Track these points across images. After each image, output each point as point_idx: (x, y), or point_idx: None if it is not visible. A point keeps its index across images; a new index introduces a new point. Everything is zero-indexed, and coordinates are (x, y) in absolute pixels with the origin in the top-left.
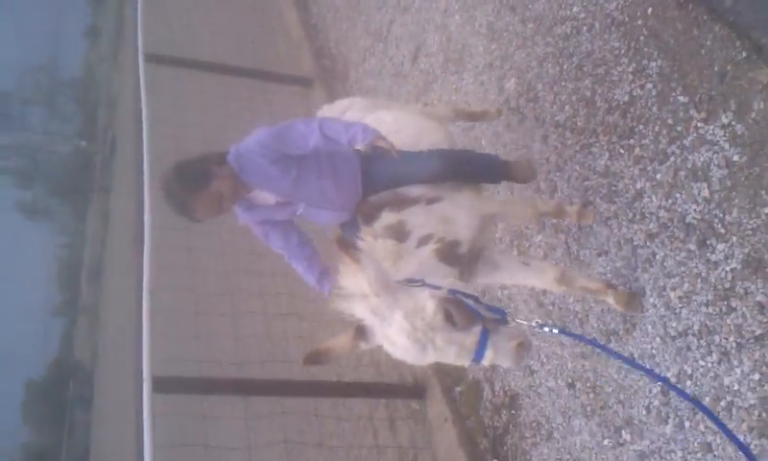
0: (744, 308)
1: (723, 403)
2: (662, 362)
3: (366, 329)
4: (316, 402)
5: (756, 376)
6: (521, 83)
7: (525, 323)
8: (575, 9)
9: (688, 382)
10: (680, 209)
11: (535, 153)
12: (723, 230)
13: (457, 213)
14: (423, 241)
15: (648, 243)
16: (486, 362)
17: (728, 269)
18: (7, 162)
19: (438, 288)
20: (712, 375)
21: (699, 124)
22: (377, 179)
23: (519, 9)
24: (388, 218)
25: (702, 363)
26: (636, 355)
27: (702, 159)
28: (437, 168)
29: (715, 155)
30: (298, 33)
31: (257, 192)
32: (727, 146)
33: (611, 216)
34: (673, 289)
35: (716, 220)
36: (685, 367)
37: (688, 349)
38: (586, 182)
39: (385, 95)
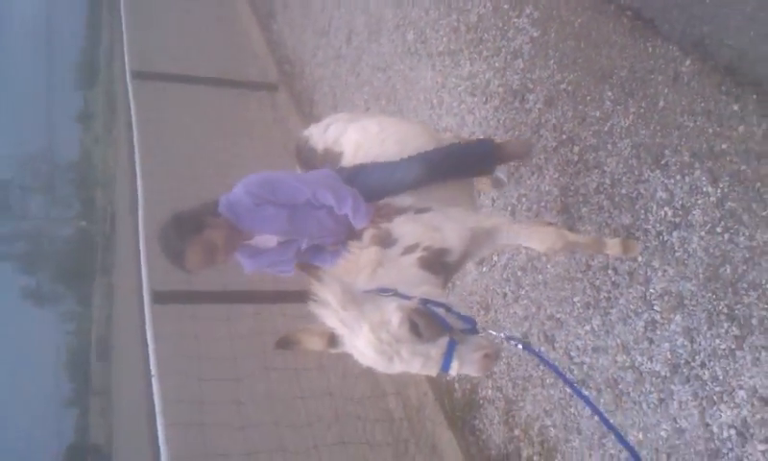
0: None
1: None
2: None
3: (336, 338)
4: None
5: None
6: (417, 32)
7: (494, 333)
8: None
9: None
10: (509, 80)
11: None
12: (532, 86)
13: (447, 223)
14: (409, 250)
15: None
16: (453, 372)
17: (536, 109)
18: (10, 249)
19: (408, 298)
20: None
21: (515, 19)
22: (363, 193)
23: None
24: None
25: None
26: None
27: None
28: (420, 172)
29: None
30: (262, 48)
31: (258, 238)
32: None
33: None
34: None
35: (529, 82)
36: None
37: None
38: None
39: (330, 78)
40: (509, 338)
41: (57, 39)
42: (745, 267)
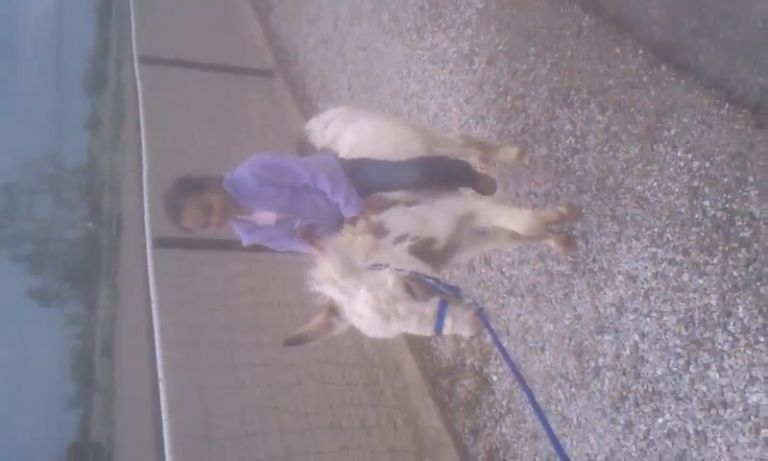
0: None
1: None
2: None
3: (336, 308)
4: None
5: None
6: (390, 13)
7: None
8: None
9: None
10: (461, 47)
11: None
12: (477, 50)
13: (434, 214)
14: (400, 240)
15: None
16: (446, 331)
17: (480, 69)
18: (17, 250)
19: (401, 271)
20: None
21: None
22: (361, 186)
23: None
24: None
25: None
26: None
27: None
28: (415, 176)
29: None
30: (260, 38)
31: (258, 214)
32: None
33: None
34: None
35: (475, 47)
36: None
37: None
38: None
39: (319, 61)
40: (473, 303)
41: (66, 47)
42: (623, 176)
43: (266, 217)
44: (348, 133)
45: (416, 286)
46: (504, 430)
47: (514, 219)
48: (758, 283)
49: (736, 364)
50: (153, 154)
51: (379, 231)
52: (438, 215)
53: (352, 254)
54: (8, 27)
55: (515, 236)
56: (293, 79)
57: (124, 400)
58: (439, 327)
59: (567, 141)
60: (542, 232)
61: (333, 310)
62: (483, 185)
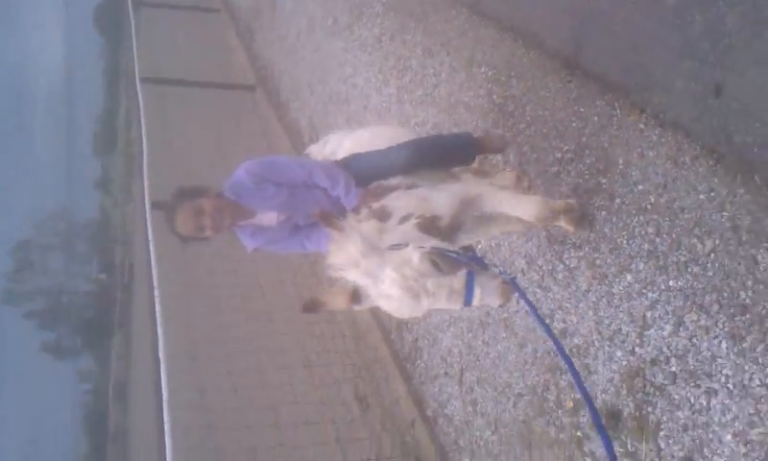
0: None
1: None
2: None
3: (360, 293)
4: None
5: None
6: (333, 18)
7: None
8: None
9: None
10: (373, 32)
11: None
12: (383, 31)
13: (435, 194)
14: (404, 219)
15: None
16: (476, 302)
17: (386, 45)
18: (31, 306)
19: (422, 248)
20: None
21: None
22: (357, 177)
23: None
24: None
25: None
26: None
27: None
28: (409, 157)
29: None
30: (243, 58)
31: (260, 215)
32: None
33: None
34: None
35: (382, 29)
36: None
37: None
38: None
39: (290, 70)
40: (513, 278)
41: (76, 109)
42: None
43: (268, 218)
44: (347, 142)
45: (440, 261)
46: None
47: (520, 205)
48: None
49: None
50: (153, 165)
51: (383, 216)
52: (439, 195)
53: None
54: (20, 90)
55: (521, 220)
56: (270, 90)
57: (136, 448)
58: (469, 298)
59: (431, 81)
60: (550, 220)
61: (356, 295)
62: (490, 145)
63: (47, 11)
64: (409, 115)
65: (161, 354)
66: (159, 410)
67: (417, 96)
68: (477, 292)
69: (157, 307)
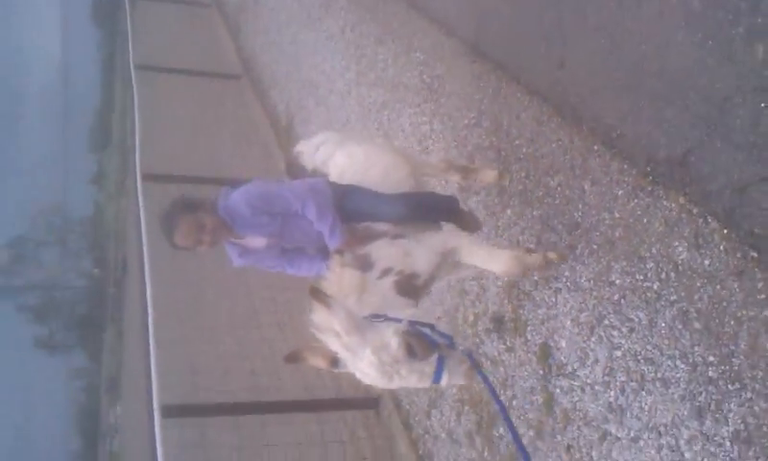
0: None
1: None
2: None
3: (339, 360)
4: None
5: None
6: (307, 13)
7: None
8: None
9: None
10: (339, 24)
11: None
12: (351, 27)
13: (418, 250)
14: (385, 273)
15: None
16: (443, 383)
17: (350, 37)
18: (24, 300)
19: (399, 321)
20: None
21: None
22: (349, 214)
23: None
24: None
25: None
26: None
27: None
28: (402, 212)
29: None
30: (232, 53)
31: (249, 239)
32: None
33: None
34: None
35: (346, 22)
36: None
37: None
38: None
39: (271, 63)
40: (465, 351)
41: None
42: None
43: (256, 241)
44: (339, 156)
45: (416, 345)
46: None
47: (492, 260)
48: None
49: None
50: (144, 142)
51: (365, 265)
52: (422, 252)
53: (344, 296)
54: (15, 84)
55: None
56: (254, 79)
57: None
58: (437, 380)
59: (379, 64)
60: (522, 275)
61: (336, 361)
62: (466, 223)
63: (44, 4)
64: (364, 96)
65: (151, 345)
66: (150, 403)
67: (370, 79)
68: (445, 375)
69: (148, 291)
